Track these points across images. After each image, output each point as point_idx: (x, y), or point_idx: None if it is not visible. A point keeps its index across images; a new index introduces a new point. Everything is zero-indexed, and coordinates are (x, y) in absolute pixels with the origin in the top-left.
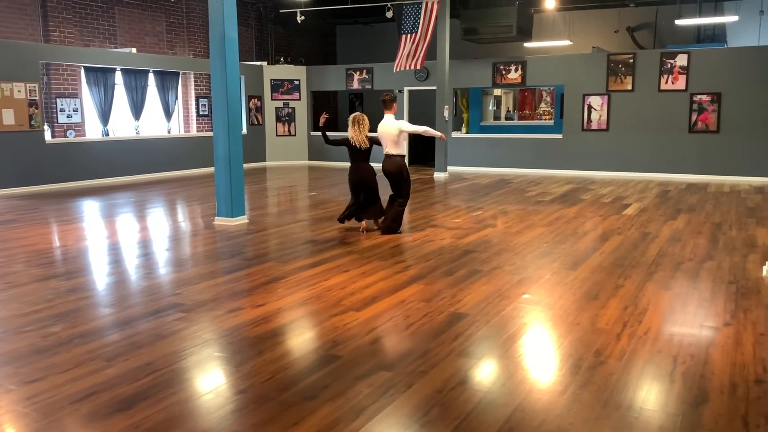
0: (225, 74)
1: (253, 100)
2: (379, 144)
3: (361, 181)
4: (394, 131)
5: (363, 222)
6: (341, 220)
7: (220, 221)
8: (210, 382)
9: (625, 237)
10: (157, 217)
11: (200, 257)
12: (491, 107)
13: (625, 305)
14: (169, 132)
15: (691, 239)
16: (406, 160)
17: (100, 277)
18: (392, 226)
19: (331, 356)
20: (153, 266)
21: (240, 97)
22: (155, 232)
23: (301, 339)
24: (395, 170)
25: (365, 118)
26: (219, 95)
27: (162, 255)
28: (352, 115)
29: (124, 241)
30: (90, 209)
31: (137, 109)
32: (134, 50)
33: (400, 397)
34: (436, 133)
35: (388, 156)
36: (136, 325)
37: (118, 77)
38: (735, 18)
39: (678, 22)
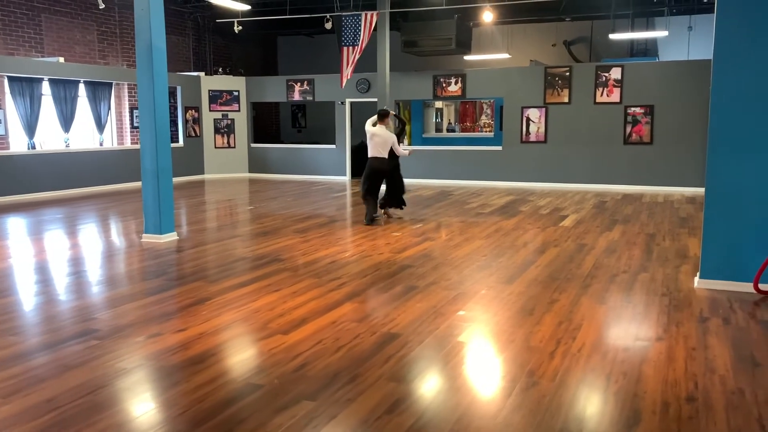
0: (152, 85)
1: (190, 111)
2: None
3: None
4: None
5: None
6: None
7: (147, 238)
8: (117, 418)
9: (562, 249)
10: (82, 235)
11: (123, 278)
12: (434, 119)
13: (560, 321)
14: (101, 144)
15: (626, 250)
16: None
17: (6, 303)
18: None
19: (252, 385)
20: (69, 289)
21: (167, 109)
22: (77, 251)
23: (221, 367)
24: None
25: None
26: (146, 106)
27: (81, 276)
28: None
29: (40, 262)
30: (10, 227)
31: (67, 121)
32: (62, 59)
33: (322, 429)
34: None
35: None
36: (41, 355)
37: (46, 87)
38: (665, 33)
39: (612, 36)
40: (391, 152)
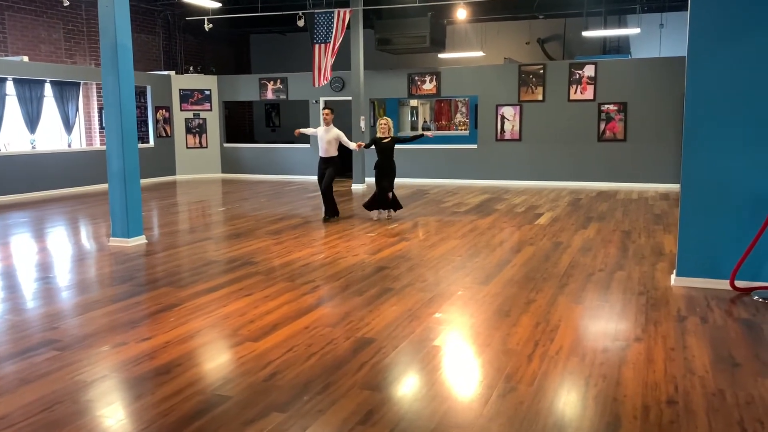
0: (118, 84)
1: (160, 111)
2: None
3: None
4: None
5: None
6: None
7: (115, 242)
8: None
9: (538, 248)
10: (49, 239)
11: (88, 284)
12: (410, 118)
13: (537, 322)
14: (69, 146)
15: (602, 248)
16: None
17: None
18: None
19: (219, 397)
20: (31, 296)
21: (134, 109)
22: (41, 256)
23: (188, 377)
24: None
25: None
26: (111, 106)
27: (44, 283)
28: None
29: (1, 269)
30: None
31: (32, 121)
32: (26, 58)
33: None
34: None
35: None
36: None
37: (10, 87)
38: (637, 30)
39: (585, 33)
40: (386, 155)
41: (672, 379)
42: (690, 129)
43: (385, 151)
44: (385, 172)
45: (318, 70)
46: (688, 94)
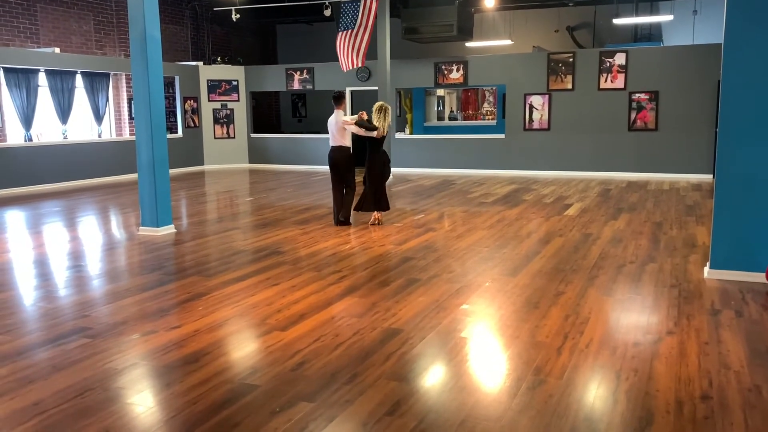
0: (147, 75)
1: (188, 101)
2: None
3: (385, 168)
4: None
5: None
6: (357, 209)
7: (144, 231)
8: (106, 423)
9: (567, 239)
10: (80, 228)
11: (117, 272)
12: (436, 107)
13: (566, 314)
14: (99, 136)
15: (633, 240)
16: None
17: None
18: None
19: (247, 386)
20: (63, 284)
21: (163, 99)
22: (72, 245)
23: (216, 366)
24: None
25: (389, 107)
26: (141, 97)
27: (75, 271)
28: (379, 103)
29: (34, 257)
30: (8, 220)
31: (64, 112)
32: (57, 50)
33: None
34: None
35: (336, 147)
36: (30, 355)
37: (42, 79)
38: (670, 17)
39: (616, 21)
40: (375, 144)
41: (706, 374)
42: (725, 118)
43: (374, 142)
44: (372, 164)
45: (344, 56)
46: (724, 82)
